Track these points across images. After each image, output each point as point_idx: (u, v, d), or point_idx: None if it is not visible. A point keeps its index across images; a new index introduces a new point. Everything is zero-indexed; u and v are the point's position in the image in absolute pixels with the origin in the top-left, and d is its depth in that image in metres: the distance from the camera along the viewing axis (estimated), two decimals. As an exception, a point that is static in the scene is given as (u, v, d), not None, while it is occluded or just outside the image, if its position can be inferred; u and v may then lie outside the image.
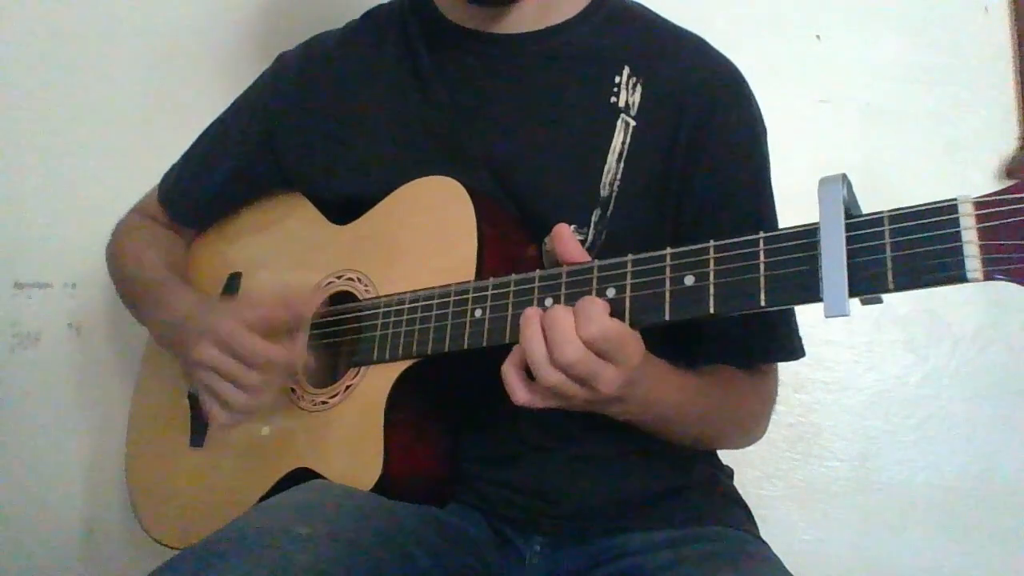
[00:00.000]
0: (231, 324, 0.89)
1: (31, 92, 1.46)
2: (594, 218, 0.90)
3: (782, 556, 0.86)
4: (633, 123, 0.91)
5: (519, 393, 0.75)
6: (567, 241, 0.77)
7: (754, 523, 0.96)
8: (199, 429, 1.04)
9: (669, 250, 0.70)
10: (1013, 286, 0.55)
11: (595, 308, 0.71)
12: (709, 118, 0.91)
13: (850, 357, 1.37)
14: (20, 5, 1.47)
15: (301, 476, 0.89)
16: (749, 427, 0.96)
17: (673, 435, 0.89)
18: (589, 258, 0.76)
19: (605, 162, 0.91)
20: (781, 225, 0.86)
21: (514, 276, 0.79)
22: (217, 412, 0.91)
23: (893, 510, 1.34)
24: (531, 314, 0.74)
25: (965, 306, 1.35)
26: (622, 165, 0.90)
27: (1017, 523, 1.33)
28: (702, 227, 0.89)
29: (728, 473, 1.00)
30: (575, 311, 0.71)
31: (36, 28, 1.47)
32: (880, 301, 0.62)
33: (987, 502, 1.33)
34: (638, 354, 0.73)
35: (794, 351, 0.93)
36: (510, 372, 0.75)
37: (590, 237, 0.90)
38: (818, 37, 1.42)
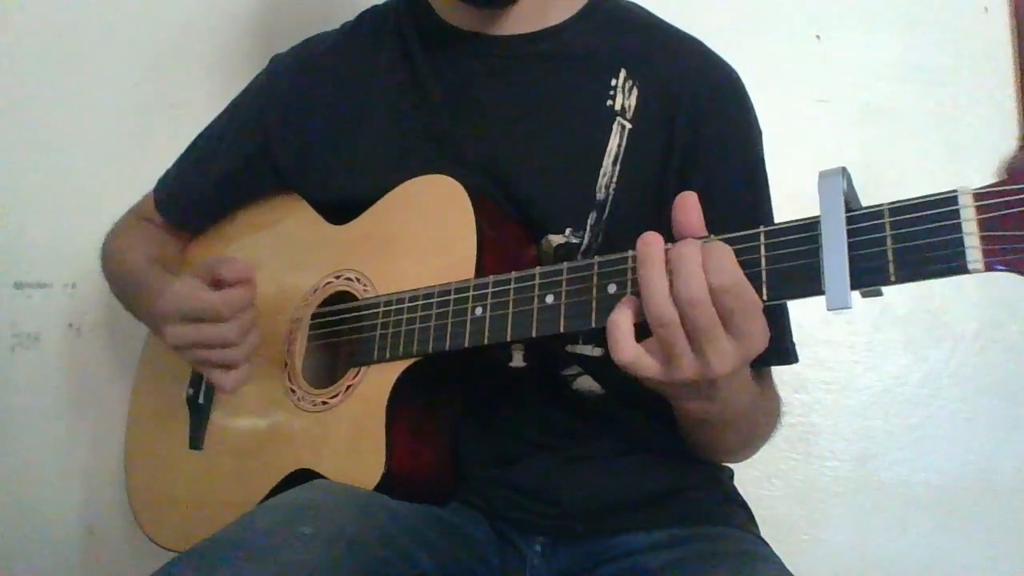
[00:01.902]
0: (180, 292, 0.91)
1: (31, 93, 1.46)
2: (590, 221, 0.90)
3: (782, 556, 0.86)
4: (629, 126, 0.91)
5: (625, 347, 0.67)
6: (691, 211, 0.69)
7: (754, 523, 0.96)
8: (198, 431, 1.04)
9: (669, 245, 0.70)
10: (1013, 282, 0.55)
11: (728, 257, 0.64)
12: (704, 120, 0.91)
13: (850, 357, 1.37)
14: (21, 7, 1.47)
15: (302, 477, 0.89)
16: (771, 429, 0.94)
17: (723, 440, 0.88)
18: (705, 232, 0.68)
19: (601, 165, 0.90)
20: (781, 224, 0.86)
21: (514, 274, 0.79)
22: (220, 378, 0.92)
23: (893, 510, 1.34)
24: (655, 250, 0.67)
25: (965, 306, 1.34)
26: (618, 168, 0.90)
27: (1017, 522, 1.33)
28: None
29: (728, 473, 1.00)
30: (704, 251, 0.64)
31: (36, 30, 1.47)
32: (880, 294, 0.62)
33: (987, 502, 1.33)
34: (762, 338, 0.66)
35: (788, 355, 0.92)
36: (619, 322, 0.68)
37: (586, 240, 0.90)
38: (818, 37, 1.42)
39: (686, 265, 0.64)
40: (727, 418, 0.79)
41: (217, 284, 0.91)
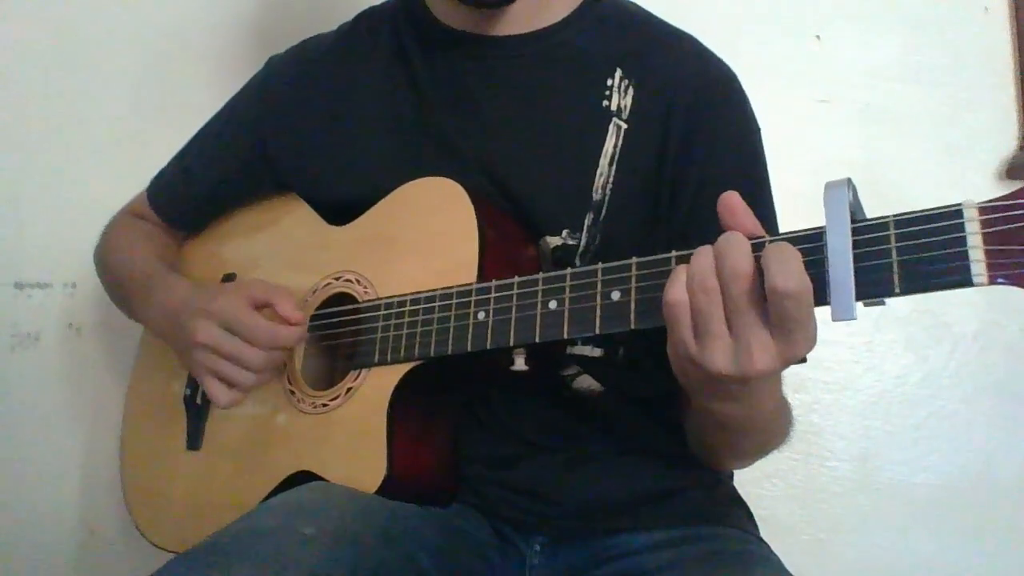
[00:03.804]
0: (234, 302, 0.91)
1: (31, 93, 1.46)
2: (587, 222, 0.90)
3: (782, 556, 0.86)
4: (625, 126, 0.91)
5: (678, 287, 0.65)
6: (739, 213, 0.66)
7: (754, 523, 0.96)
8: (195, 431, 1.03)
9: (674, 253, 0.69)
10: (1014, 289, 0.55)
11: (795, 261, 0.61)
12: (699, 117, 0.91)
13: (850, 357, 1.37)
14: (20, 7, 1.47)
15: (302, 479, 0.89)
16: (784, 440, 0.91)
17: (738, 446, 0.87)
18: (763, 232, 0.66)
19: (597, 166, 0.90)
20: (782, 226, 0.86)
21: (517, 278, 0.79)
22: (218, 392, 0.92)
23: (893, 510, 1.34)
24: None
25: (965, 307, 1.35)
26: (614, 168, 0.90)
27: (1017, 522, 1.33)
28: (696, 228, 0.88)
29: (728, 473, 1.00)
30: (767, 256, 0.61)
31: (36, 30, 1.47)
32: (883, 303, 0.62)
33: (986, 501, 1.34)
34: (811, 340, 0.63)
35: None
36: (681, 268, 0.66)
37: (583, 241, 0.90)
38: (818, 37, 1.42)
39: (737, 243, 0.62)
40: (749, 424, 0.78)
41: (259, 306, 0.92)
